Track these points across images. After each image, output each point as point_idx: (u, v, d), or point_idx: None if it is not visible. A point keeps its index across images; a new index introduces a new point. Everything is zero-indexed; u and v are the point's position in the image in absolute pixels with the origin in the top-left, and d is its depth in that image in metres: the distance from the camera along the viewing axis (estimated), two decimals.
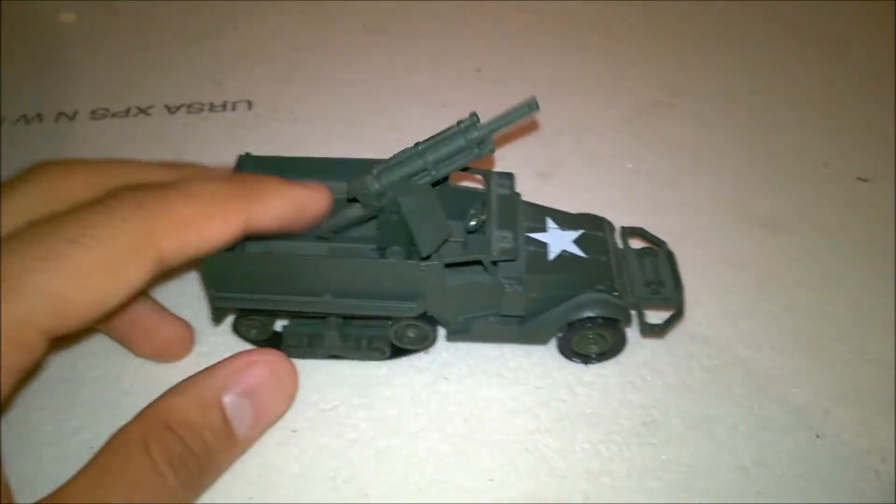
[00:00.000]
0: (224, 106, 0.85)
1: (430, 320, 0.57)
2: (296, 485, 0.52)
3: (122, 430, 0.44)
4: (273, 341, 0.59)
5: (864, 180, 0.75)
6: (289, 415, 0.55)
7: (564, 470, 0.52)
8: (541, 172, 0.76)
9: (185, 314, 0.61)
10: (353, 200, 0.55)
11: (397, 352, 0.59)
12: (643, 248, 0.62)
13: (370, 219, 0.58)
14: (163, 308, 0.59)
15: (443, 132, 0.54)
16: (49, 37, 0.97)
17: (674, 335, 0.61)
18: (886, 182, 0.76)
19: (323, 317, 0.58)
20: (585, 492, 0.51)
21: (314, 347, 0.58)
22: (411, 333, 0.58)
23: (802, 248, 0.68)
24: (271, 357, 0.50)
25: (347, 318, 0.58)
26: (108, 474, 0.42)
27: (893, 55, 0.94)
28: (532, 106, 0.53)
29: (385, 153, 0.68)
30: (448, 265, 0.54)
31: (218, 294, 0.55)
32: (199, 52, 0.94)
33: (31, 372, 0.45)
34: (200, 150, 0.79)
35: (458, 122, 0.54)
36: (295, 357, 0.57)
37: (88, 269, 0.43)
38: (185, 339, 0.60)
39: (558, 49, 0.95)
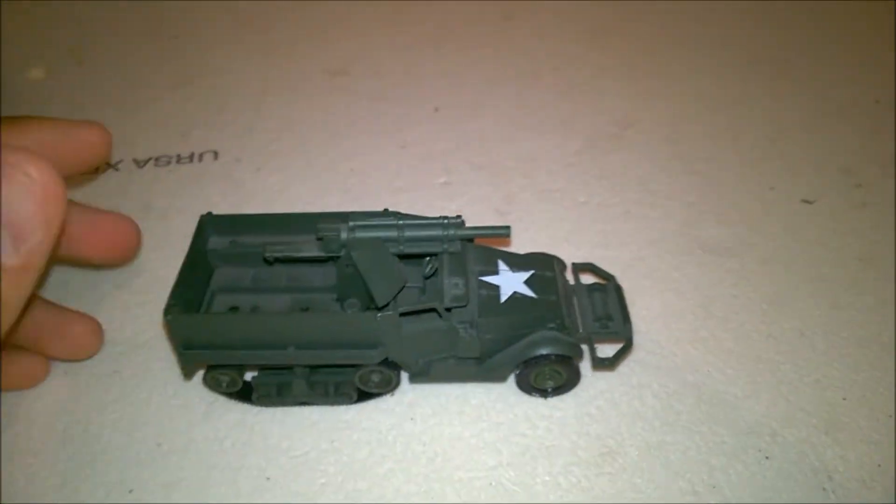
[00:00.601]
0: (191, 157, 0.88)
1: (392, 365, 0.60)
2: None
3: None
4: (244, 391, 0.62)
5: (809, 202, 0.79)
6: (262, 462, 0.57)
7: (526, 503, 0.55)
8: (498, 209, 0.79)
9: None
10: (319, 239, 0.58)
11: (363, 396, 0.62)
12: (593, 284, 0.65)
13: (319, 261, 0.60)
14: (65, 308, 0.63)
15: (426, 218, 0.59)
16: (17, 94, 0.99)
17: (627, 365, 0.63)
18: (829, 203, 0.79)
19: (290, 367, 0.60)
20: None
21: (283, 396, 0.60)
22: (375, 378, 0.61)
23: (748, 273, 0.71)
24: (34, 168, 0.40)
25: (314, 367, 0.61)
26: None
27: (836, 78, 0.98)
28: (506, 232, 0.60)
29: (346, 198, 0.71)
30: (404, 314, 0.57)
31: (185, 351, 0.57)
32: (166, 103, 0.97)
33: None
34: (168, 202, 0.81)
35: (444, 218, 0.58)
36: (266, 405, 0.61)
37: None
38: (95, 332, 0.63)
39: (512, 87, 0.98)
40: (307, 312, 0.60)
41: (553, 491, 0.56)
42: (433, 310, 0.58)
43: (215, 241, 0.64)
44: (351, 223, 0.57)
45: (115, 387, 0.63)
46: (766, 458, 0.57)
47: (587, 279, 0.66)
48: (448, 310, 0.57)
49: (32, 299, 0.62)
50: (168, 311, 0.56)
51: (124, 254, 0.65)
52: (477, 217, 0.75)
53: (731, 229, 0.76)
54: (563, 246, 0.69)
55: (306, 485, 0.56)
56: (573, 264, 0.67)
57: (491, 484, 0.56)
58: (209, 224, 0.64)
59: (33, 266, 0.42)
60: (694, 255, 0.73)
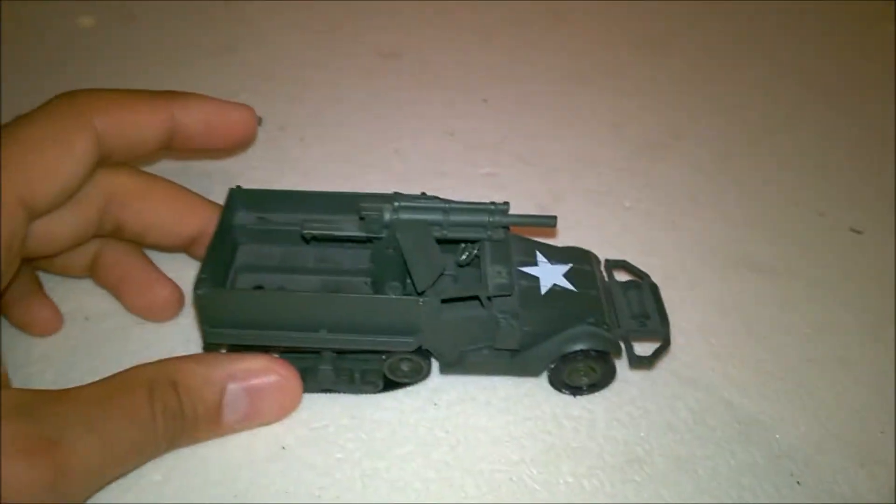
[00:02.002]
0: None
1: (424, 353, 0.58)
2: (280, 500, 0.52)
3: (134, 368, 0.51)
4: None
5: (858, 232, 0.77)
6: (279, 431, 0.56)
7: (548, 502, 0.53)
8: (541, 205, 0.77)
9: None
10: (361, 218, 0.56)
11: (389, 384, 0.60)
12: (627, 281, 0.64)
13: (358, 241, 0.58)
14: (157, 269, 0.64)
15: (473, 203, 0.57)
16: (66, 40, 0.99)
17: (661, 375, 0.62)
18: (879, 234, 0.77)
19: (317, 351, 0.58)
20: None
21: (307, 381, 0.57)
22: (405, 367, 0.59)
23: (793, 296, 0.69)
24: (287, 373, 0.55)
25: (341, 352, 0.59)
26: (112, 397, 0.48)
27: (893, 108, 0.96)
28: (552, 222, 0.58)
29: (389, 177, 0.69)
30: (445, 301, 0.55)
31: (212, 329, 0.55)
32: (213, 65, 0.96)
33: (15, 248, 0.51)
34: (207, 162, 0.80)
35: (492, 203, 0.57)
36: None
37: (37, 139, 0.52)
38: (175, 302, 0.64)
39: (562, 85, 0.97)
40: (346, 294, 0.58)
41: (576, 493, 0.54)
42: (474, 297, 0.56)
43: (242, 217, 0.62)
44: (396, 203, 0.56)
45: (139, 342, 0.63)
46: (798, 483, 0.55)
47: (620, 277, 0.65)
48: (490, 299, 0.56)
49: (132, 248, 0.64)
50: (199, 285, 0.53)
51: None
52: (520, 211, 0.73)
53: (778, 250, 0.74)
54: (606, 249, 0.67)
55: (322, 457, 0.55)
56: (606, 260, 0.65)
57: (512, 479, 0.54)
58: (237, 197, 0.61)
59: (230, 433, 0.55)
60: (739, 272, 0.71)
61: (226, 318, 0.54)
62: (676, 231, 0.76)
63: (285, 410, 0.57)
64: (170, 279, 0.64)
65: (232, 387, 0.53)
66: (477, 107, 0.92)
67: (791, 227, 0.77)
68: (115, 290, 0.64)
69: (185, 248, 0.65)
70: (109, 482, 0.51)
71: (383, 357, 0.58)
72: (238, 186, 0.61)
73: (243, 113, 0.63)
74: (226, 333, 0.55)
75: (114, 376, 0.50)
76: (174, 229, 0.63)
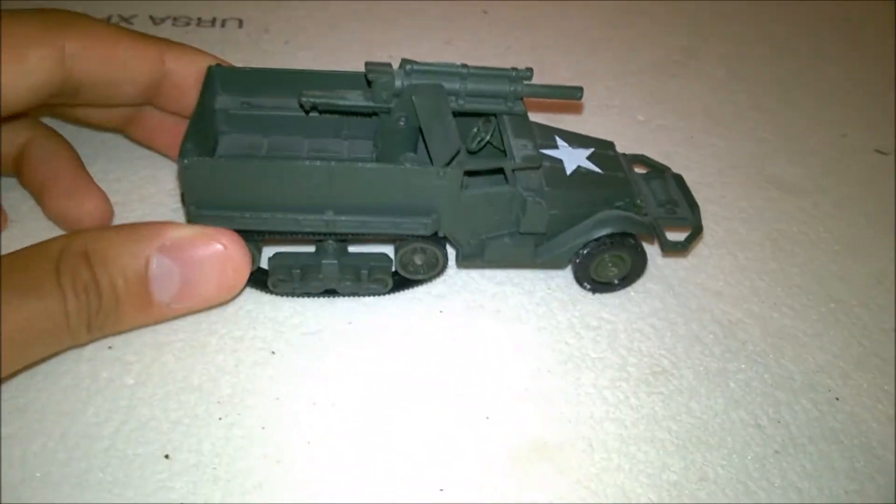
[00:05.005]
0: (213, 22, 0.80)
1: (439, 243, 0.52)
2: (273, 407, 0.46)
3: (44, 241, 0.44)
4: (258, 276, 0.51)
5: (883, 153, 0.72)
6: (268, 336, 0.50)
7: (567, 414, 0.48)
8: (550, 118, 0.71)
9: None
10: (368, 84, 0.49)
11: (399, 284, 0.53)
12: (648, 173, 0.59)
13: (362, 113, 0.51)
14: (88, 176, 0.55)
15: (494, 69, 0.51)
16: None
17: (686, 287, 0.57)
18: None
19: (320, 240, 0.51)
20: (589, 438, 0.47)
21: (308, 281, 0.51)
22: (418, 260, 0.52)
23: (821, 214, 0.65)
24: (228, 241, 0.46)
25: (345, 242, 0.52)
26: (13, 271, 0.41)
27: None
28: (577, 94, 0.53)
29: None
30: (468, 173, 0.48)
31: (199, 211, 0.46)
32: None
33: None
34: None
35: (513, 69, 0.51)
36: (285, 293, 0.52)
37: None
38: (102, 217, 0.54)
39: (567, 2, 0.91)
40: (355, 163, 0.48)
41: (599, 405, 0.49)
42: (498, 172, 0.49)
43: (223, 101, 0.53)
44: (408, 66, 0.49)
45: None
46: (837, 398, 0.51)
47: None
48: (513, 172, 0.49)
49: (64, 147, 0.56)
50: (184, 153, 0.45)
51: None
52: None
53: (803, 169, 0.70)
54: None
55: (316, 363, 0.49)
56: (624, 154, 0.60)
57: (528, 389, 0.49)
58: (217, 77, 0.52)
59: (172, 317, 0.48)
60: (762, 189, 0.67)
61: (216, 195, 0.46)
62: (695, 146, 0.71)
63: (228, 288, 0.48)
64: (101, 190, 0.55)
65: (161, 259, 0.44)
66: (476, 17, 0.85)
67: (814, 147, 0.73)
68: (38, 192, 0.54)
69: (124, 126, 0.59)
70: (20, 367, 0.44)
71: (391, 252, 0.52)
72: (217, 64, 0.53)
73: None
74: (217, 216, 0.47)
75: (19, 250, 0.43)
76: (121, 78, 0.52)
